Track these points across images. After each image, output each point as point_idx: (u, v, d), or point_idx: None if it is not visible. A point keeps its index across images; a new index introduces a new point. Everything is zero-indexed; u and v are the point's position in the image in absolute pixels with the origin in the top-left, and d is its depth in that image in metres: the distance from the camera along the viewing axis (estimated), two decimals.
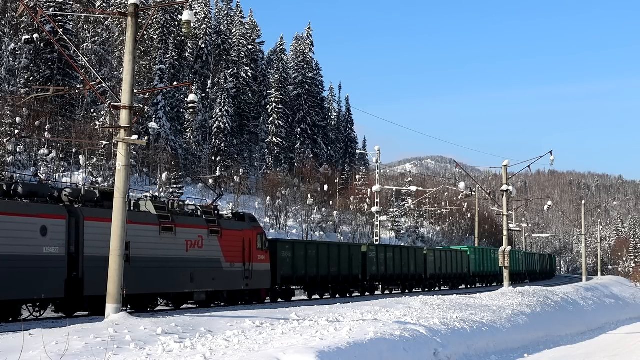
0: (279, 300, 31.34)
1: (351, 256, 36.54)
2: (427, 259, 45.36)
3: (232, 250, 26.52)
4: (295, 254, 32.06)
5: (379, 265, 39.26)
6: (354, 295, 37.41)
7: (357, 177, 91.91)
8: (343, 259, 35.84)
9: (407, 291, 41.71)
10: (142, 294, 22.78)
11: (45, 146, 48.56)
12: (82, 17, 65.31)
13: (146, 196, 31.67)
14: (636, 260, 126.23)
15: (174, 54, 73.50)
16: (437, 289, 47.47)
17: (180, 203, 27.19)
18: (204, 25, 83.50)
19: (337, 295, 35.50)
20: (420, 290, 43.72)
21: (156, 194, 55.27)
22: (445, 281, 49.41)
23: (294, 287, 32.98)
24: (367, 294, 38.39)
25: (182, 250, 24.21)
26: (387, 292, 41.42)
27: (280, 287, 31.49)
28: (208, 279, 25.54)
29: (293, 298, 32.62)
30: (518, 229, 58.13)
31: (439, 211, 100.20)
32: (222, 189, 69.62)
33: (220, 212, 28.66)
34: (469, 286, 52.56)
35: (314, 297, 34.48)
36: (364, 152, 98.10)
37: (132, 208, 22.96)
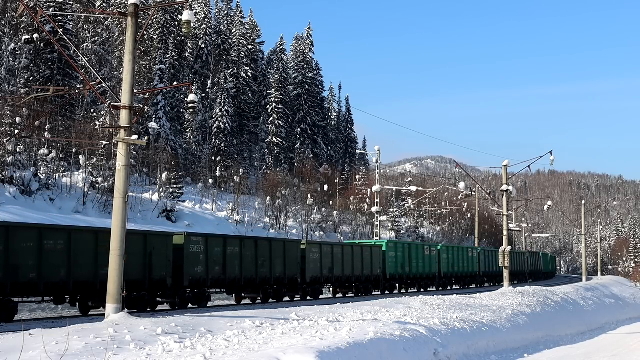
0: None
1: (150, 252, 23.58)
2: (308, 256, 33.30)
3: None
4: None
5: (210, 265, 26.43)
6: (177, 309, 24.76)
7: (357, 177, 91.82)
8: (136, 255, 22.33)
9: (270, 300, 30.44)
10: None
11: (45, 146, 48.51)
12: (82, 17, 65.30)
13: None
14: (636, 260, 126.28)
15: (174, 54, 73.52)
16: (335, 296, 37.38)
17: None
18: (204, 25, 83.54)
19: (133, 310, 22.48)
20: (300, 298, 32.73)
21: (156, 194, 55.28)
22: (341, 285, 37.22)
23: (16, 300, 20.06)
24: (190, 305, 25.66)
25: None
26: (247, 302, 30.29)
27: None
28: None
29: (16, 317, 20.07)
30: (518, 229, 57.85)
31: (439, 211, 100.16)
32: (222, 189, 69.94)
33: None
34: (386, 292, 40.51)
35: (91, 312, 22.73)
36: (364, 152, 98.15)
37: None
